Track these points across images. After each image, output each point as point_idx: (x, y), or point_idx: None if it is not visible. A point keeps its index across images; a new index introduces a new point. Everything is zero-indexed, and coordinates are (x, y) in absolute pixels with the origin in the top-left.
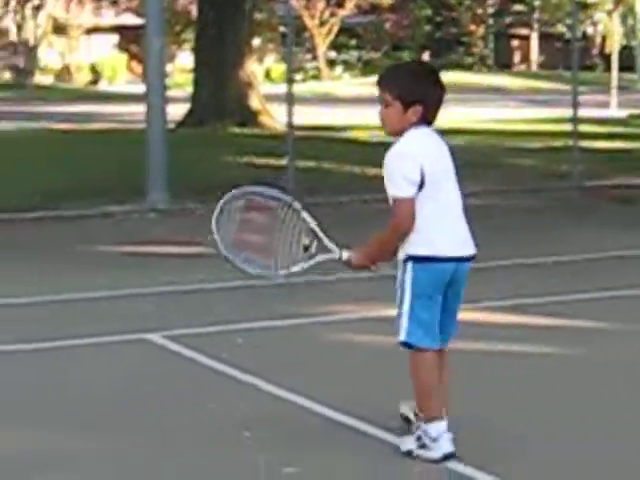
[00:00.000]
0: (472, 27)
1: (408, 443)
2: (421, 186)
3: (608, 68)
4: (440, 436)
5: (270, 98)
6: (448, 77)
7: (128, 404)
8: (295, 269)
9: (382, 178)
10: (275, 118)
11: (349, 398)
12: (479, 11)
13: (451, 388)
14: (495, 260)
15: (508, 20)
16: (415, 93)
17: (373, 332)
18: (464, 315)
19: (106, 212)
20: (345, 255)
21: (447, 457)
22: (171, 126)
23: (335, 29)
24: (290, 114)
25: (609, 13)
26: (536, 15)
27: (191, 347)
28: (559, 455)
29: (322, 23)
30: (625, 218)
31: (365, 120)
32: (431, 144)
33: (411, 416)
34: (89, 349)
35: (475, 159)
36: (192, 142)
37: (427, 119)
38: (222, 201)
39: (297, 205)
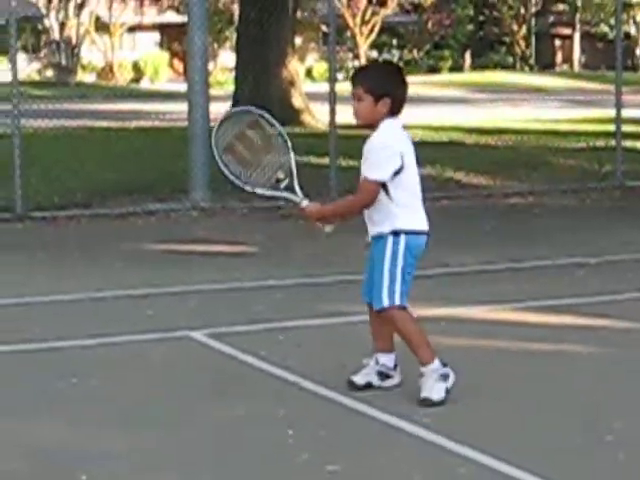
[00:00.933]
0: (514, 27)
1: (437, 389)
2: (400, 170)
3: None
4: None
5: (311, 97)
6: (490, 77)
7: (170, 401)
8: (259, 191)
9: (423, 177)
10: (317, 117)
11: (391, 397)
12: (521, 11)
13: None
14: (538, 260)
15: (550, 20)
16: (384, 87)
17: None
18: (507, 315)
19: (148, 210)
20: (304, 203)
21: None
22: (213, 124)
23: (377, 28)
24: (332, 113)
25: None
26: (578, 15)
27: (233, 345)
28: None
29: (364, 22)
30: None
31: (407, 119)
32: (404, 133)
33: (373, 381)
34: (133, 346)
35: (519, 159)
36: None
37: (394, 111)
38: (237, 109)
39: (289, 144)
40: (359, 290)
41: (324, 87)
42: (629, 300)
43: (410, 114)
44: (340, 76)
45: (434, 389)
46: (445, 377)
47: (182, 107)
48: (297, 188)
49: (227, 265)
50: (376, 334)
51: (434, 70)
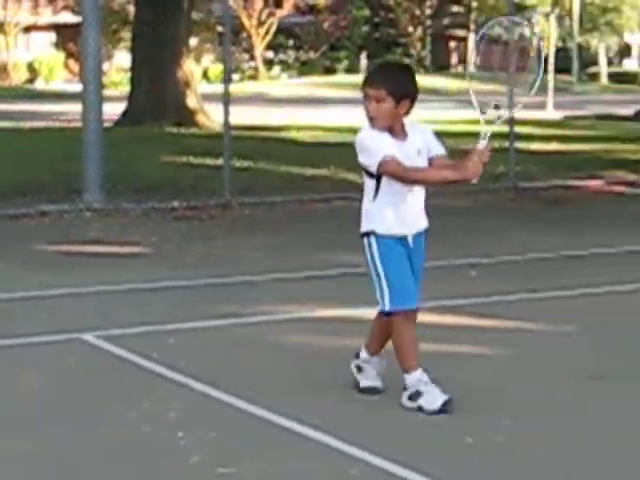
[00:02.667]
0: (410, 28)
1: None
2: None
3: (545, 70)
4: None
5: (207, 98)
6: None
7: (60, 404)
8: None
9: (318, 179)
10: (212, 118)
11: (283, 399)
12: (417, 12)
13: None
14: (431, 260)
15: (445, 21)
16: (405, 88)
17: (308, 332)
18: None
19: (41, 211)
20: (482, 144)
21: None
22: (107, 125)
23: (273, 29)
24: (226, 114)
25: (546, 15)
26: (473, 16)
27: (124, 347)
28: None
29: (260, 23)
30: (557, 220)
31: (302, 120)
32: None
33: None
34: (22, 349)
35: None
36: (128, 141)
37: (409, 113)
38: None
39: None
40: (252, 291)
41: (219, 88)
42: (520, 300)
43: (305, 115)
44: (236, 77)
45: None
46: (417, 395)
47: (77, 108)
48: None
49: (120, 266)
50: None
51: (330, 71)
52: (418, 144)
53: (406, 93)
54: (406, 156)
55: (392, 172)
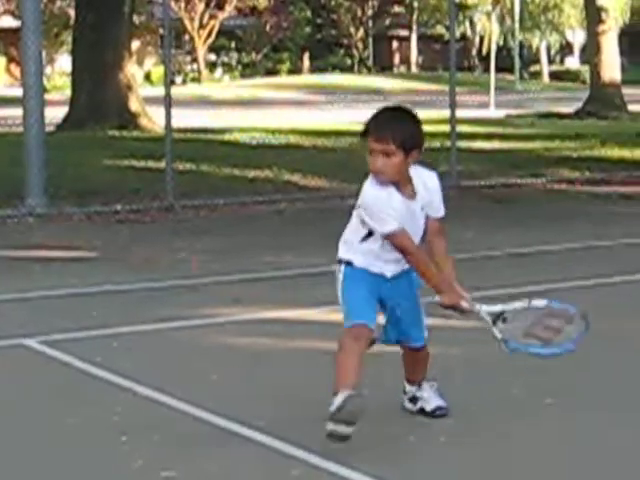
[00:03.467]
0: (352, 29)
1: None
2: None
3: (487, 69)
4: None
5: (150, 101)
6: (328, 79)
7: (2, 409)
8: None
9: (261, 180)
10: (155, 121)
11: (226, 401)
12: (358, 13)
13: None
14: None
15: (387, 22)
16: (414, 139)
17: (251, 334)
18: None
19: None
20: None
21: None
22: (50, 129)
23: (215, 31)
24: (168, 116)
25: (487, 14)
26: (415, 16)
27: (68, 352)
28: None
29: (202, 26)
30: (501, 218)
31: (244, 122)
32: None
33: (418, 394)
34: None
35: (356, 161)
36: (71, 145)
37: (419, 159)
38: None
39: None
40: (195, 294)
41: (162, 91)
42: None
43: (247, 116)
44: (178, 79)
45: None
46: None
47: (19, 112)
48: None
49: (63, 271)
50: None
51: (272, 72)
52: (423, 200)
53: (415, 144)
54: (411, 216)
55: (400, 246)
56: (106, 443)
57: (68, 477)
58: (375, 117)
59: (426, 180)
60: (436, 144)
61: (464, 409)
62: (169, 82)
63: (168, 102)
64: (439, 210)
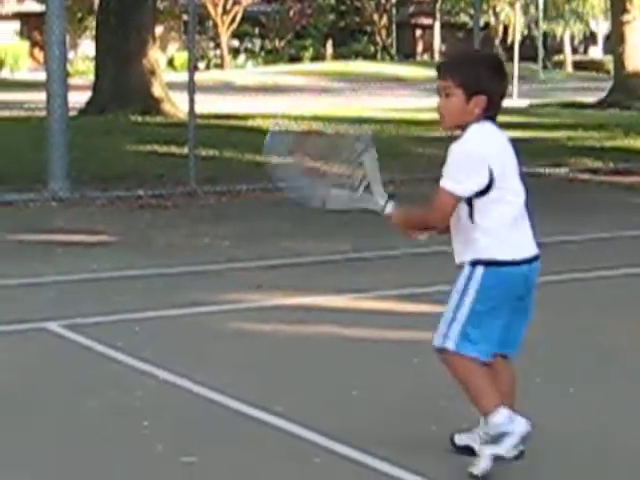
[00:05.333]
0: (375, 16)
1: (484, 460)
2: (489, 188)
3: (510, 58)
4: (510, 416)
5: (173, 86)
6: (352, 67)
7: (24, 393)
8: (332, 206)
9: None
10: (178, 106)
11: (248, 387)
12: (382, 0)
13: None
14: (394, 249)
15: (411, 10)
16: (479, 81)
17: (273, 321)
18: (366, 304)
19: (5, 200)
20: (388, 208)
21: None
22: (73, 114)
23: (238, 17)
24: (192, 102)
25: (511, 3)
26: (439, 4)
27: (89, 336)
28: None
29: (225, 11)
30: None
31: (268, 108)
32: (498, 141)
33: (475, 446)
34: None
35: (379, 148)
36: (94, 130)
37: (490, 112)
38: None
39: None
40: (217, 280)
41: (185, 76)
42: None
43: (270, 103)
44: (201, 65)
45: (481, 458)
46: (501, 438)
47: (42, 97)
48: (376, 192)
49: (85, 255)
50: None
51: (296, 59)
52: None
53: (481, 88)
54: None
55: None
56: (127, 428)
57: (89, 461)
58: (449, 55)
59: (456, 142)
60: (459, 132)
61: None
62: (193, 68)
63: (192, 88)
64: (442, 175)
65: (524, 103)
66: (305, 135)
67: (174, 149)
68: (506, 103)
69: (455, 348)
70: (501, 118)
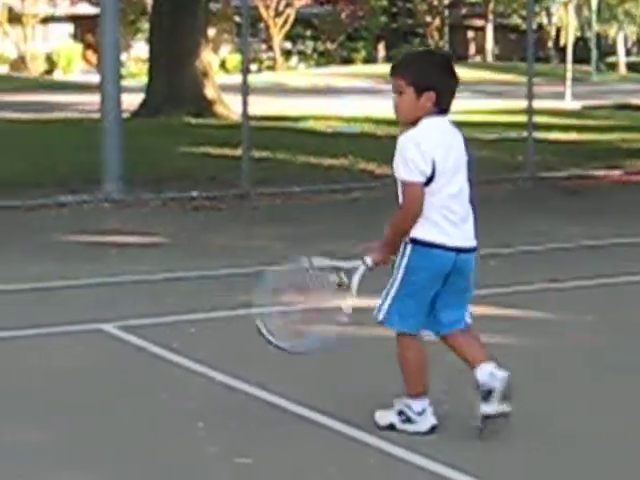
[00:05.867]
0: (427, 18)
1: (388, 416)
2: (431, 179)
3: (563, 60)
4: (425, 410)
5: (225, 88)
6: None
7: (79, 394)
8: (346, 305)
9: (337, 169)
10: (230, 108)
11: (302, 389)
12: (434, 2)
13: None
14: None
15: (463, 11)
16: (428, 79)
17: (327, 322)
18: None
19: (60, 202)
20: (369, 260)
21: (433, 429)
22: (126, 116)
23: (291, 19)
24: (245, 104)
25: (565, 5)
26: (491, 6)
27: (144, 337)
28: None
29: (278, 13)
30: (576, 210)
31: (320, 110)
32: (444, 135)
33: (395, 420)
34: (42, 339)
35: None
36: (147, 132)
37: (441, 107)
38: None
39: (308, 262)
40: None
41: (237, 79)
42: (540, 290)
43: (323, 105)
44: (254, 67)
45: (386, 416)
46: (406, 419)
47: (95, 98)
48: (350, 264)
49: (139, 257)
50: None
51: (348, 61)
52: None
53: (430, 85)
54: None
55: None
56: (182, 429)
57: (144, 462)
58: (401, 56)
59: (405, 133)
60: (513, 134)
61: (534, 399)
62: (246, 70)
63: (245, 90)
64: (397, 172)
65: (577, 105)
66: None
67: (227, 151)
68: (559, 105)
69: (384, 320)
70: (554, 120)
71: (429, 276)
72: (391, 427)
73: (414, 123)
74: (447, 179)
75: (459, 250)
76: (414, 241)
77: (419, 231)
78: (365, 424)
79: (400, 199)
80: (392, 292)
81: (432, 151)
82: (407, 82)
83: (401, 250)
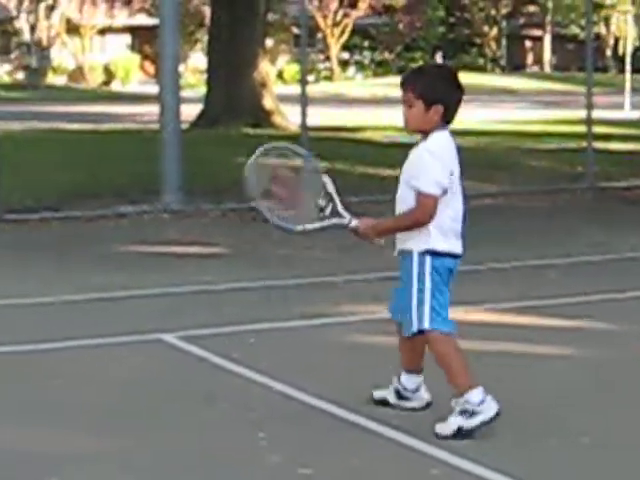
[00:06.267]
0: (485, 28)
1: (451, 424)
2: (447, 190)
3: (622, 70)
4: (484, 397)
5: (283, 99)
6: (461, 79)
7: (140, 404)
8: (309, 227)
9: (393, 179)
10: (288, 119)
11: (363, 400)
12: (492, 12)
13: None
14: (509, 261)
15: (521, 21)
16: (436, 93)
17: (390, 333)
18: (479, 316)
19: (120, 212)
20: (354, 223)
21: (498, 414)
22: (184, 126)
23: (348, 30)
24: (304, 115)
25: (623, 14)
26: (549, 16)
27: (204, 347)
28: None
29: (335, 24)
30: (636, 219)
31: (378, 121)
32: (452, 149)
33: (390, 398)
34: (102, 349)
35: (490, 160)
36: (205, 143)
37: (447, 119)
38: (258, 152)
39: (320, 167)
40: (330, 292)
41: (294, 89)
42: (600, 301)
43: (381, 115)
44: (311, 78)
45: (446, 423)
46: (470, 414)
47: (153, 109)
48: (341, 210)
49: (199, 267)
50: (401, 351)
51: (405, 71)
52: (406, 165)
53: (438, 98)
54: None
55: (429, 211)
56: (243, 439)
57: (205, 471)
58: (410, 70)
59: (420, 146)
60: (572, 145)
61: (602, 410)
62: (304, 80)
63: (304, 100)
64: (413, 181)
65: (636, 115)
66: (276, 172)
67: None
68: (618, 115)
69: (431, 325)
70: (614, 130)
71: (443, 280)
72: (459, 431)
73: (424, 134)
74: (456, 189)
75: (458, 256)
76: (434, 253)
77: (434, 242)
78: (427, 434)
79: (400, 203)
80: (426, 299)
81: (450, 164)
82: (416, 95)
83: (417, 259)
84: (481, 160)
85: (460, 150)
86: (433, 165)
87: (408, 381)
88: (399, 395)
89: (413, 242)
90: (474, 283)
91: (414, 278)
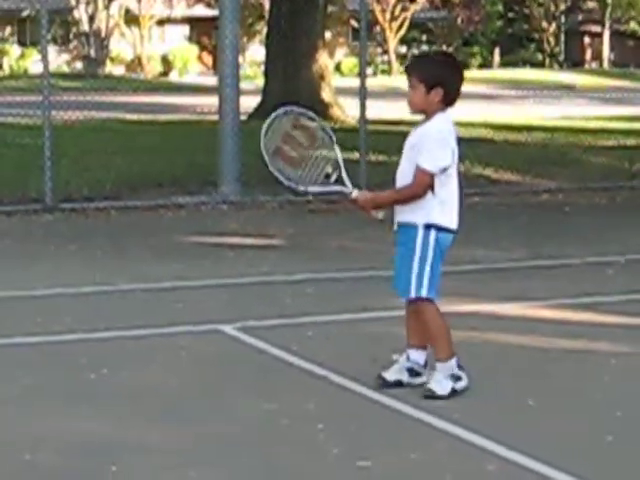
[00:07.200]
0: (544, 24)
1: (445, 385)
2: (449, 167)
3: None
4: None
5: (340, 92)
6: (519, 74)
7: (200, 394)
8: (311, 189)
9: (462, 174)
10: (346, 112)
11: (419, 392)
12: (551, 8)
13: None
14: (568, 258)
15: (580, 17)
16: (436, 76)
17: None
18: (539, 312)
19: (178, 203)
20: (355, 193)
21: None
22: (242, 118)
23: (406, 24)
24: (362, 108)
25: None
26: (608, 12)
27: (263, 339)
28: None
29: (393, 17)
30: None
31: None
32: (453, 130)
33: (404, 378)
34: (161, 339)
35: (549, 156)
36: None
37: (447, 102)
38: (274, 114)
39: (333, 136)
40: (388, 285)
41: (352, 82)
42: None
43: None
44: (369, 71)
45: (441, 384)
46: (456, 378)
47: (211, 100)
48: (346, 179)
49: (257, 259)
50: (410, 329)
51: (463, 66)
52: (412, 141)
53: (438, 82)
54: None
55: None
56: (301, 431)
57: (264, 463)
58: (414, 56)
59: (426, 125)
60: (631, 142)
61: None
62: (363, 74)
63: (363, 93)
64: (417, 155)
65: None
66: (290, 132)
67: (343, 154)
68: None
69: (427, 294)
70: None
71: (440, 253)
72: (453, 392)
73: (427, 115)
74: (455, 167)
75: (455, 232)
76: (438, 227)
77: (438, 217)
78: (486, 430)
79: (401, 177)
80: (426, 269)
81: (452, 142)
82: (418, 79)
83: (422, 232)
84: (541, 156)
85: (524, 146)
86: (437, 144)
87: (419, 357)
88: (412, 372)
89: (418, 215)
90: (532, 279)
91: (417, 248)
